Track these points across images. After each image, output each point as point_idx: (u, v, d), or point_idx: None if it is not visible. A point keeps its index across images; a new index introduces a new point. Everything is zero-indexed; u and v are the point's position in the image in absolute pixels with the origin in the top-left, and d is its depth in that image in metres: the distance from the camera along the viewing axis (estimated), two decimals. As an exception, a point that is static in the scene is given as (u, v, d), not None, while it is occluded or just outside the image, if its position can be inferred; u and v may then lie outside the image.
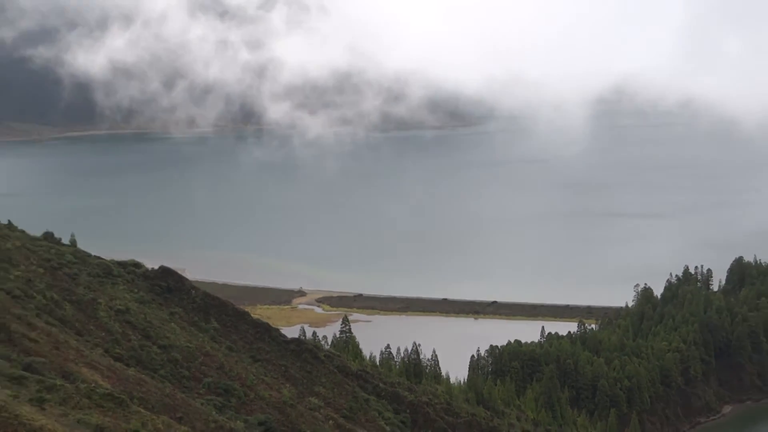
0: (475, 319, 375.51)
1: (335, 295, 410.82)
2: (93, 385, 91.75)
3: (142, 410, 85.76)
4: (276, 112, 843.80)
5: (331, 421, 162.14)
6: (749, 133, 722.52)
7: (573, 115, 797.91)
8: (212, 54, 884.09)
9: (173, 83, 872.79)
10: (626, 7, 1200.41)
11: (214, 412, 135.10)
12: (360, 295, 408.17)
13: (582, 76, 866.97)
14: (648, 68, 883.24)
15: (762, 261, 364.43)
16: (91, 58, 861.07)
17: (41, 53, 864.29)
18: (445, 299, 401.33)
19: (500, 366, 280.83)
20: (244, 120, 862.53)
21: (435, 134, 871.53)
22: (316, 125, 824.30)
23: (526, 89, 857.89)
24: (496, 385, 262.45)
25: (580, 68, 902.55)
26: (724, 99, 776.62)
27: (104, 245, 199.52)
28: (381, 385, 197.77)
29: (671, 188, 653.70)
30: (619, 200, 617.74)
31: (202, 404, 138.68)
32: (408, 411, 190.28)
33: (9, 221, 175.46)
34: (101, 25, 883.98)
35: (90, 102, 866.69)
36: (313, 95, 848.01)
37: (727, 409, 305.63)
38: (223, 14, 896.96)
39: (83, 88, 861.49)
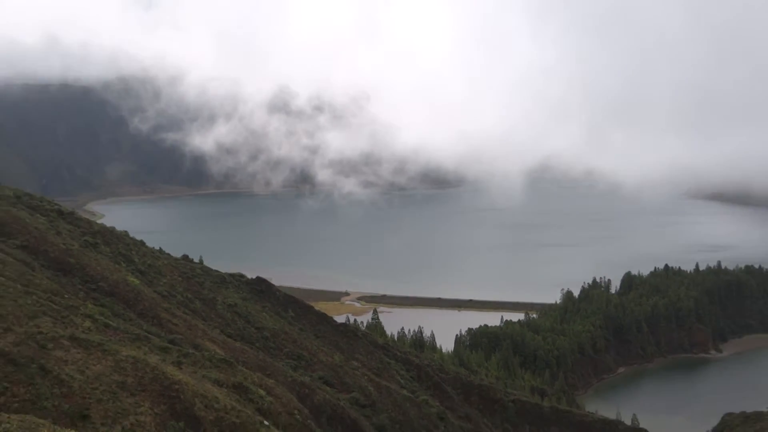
0: (459, 311, 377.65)
1: (368, 295, 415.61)
2: (213, 353, 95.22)
3: (244, 369, 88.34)
4: (323, 176, 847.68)
5: (365, 377, 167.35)
6: (629, 192, 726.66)
7: (515, 180, 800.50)
8: (282, 138, 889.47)
9: (257, 157, 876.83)
10: (550, 106, 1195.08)
11: (290, 371, 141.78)
12: (384, 295, 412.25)
13: (521, 154, 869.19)
14: (564, 149, 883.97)
15: (641, 274, 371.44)
16: (204, 140, 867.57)
17: (171, 137, 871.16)
18: (438, 298, 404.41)
19: (474, 341, 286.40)
20: (302, 182, 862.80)
21: (425, 194, 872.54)
22: (349, 185, 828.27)
23: (485, 163, 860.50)
24: (472, 353, 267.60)
25: (520, 148, 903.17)
26: (613, 169, 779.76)
27: (221, 263, 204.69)
28: (398, 353, 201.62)
29: (579, 228, 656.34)
30: (546, 235, 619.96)
31: (283, 365, 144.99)
32: (415, 370, 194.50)
33: (160, 248, 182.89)
34: (211, 118, 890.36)
35: (203, 170, 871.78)
36: (348, 166, 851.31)
37: (621, 369, 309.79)
38: (290, 113, 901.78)
39: (199, 160, 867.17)
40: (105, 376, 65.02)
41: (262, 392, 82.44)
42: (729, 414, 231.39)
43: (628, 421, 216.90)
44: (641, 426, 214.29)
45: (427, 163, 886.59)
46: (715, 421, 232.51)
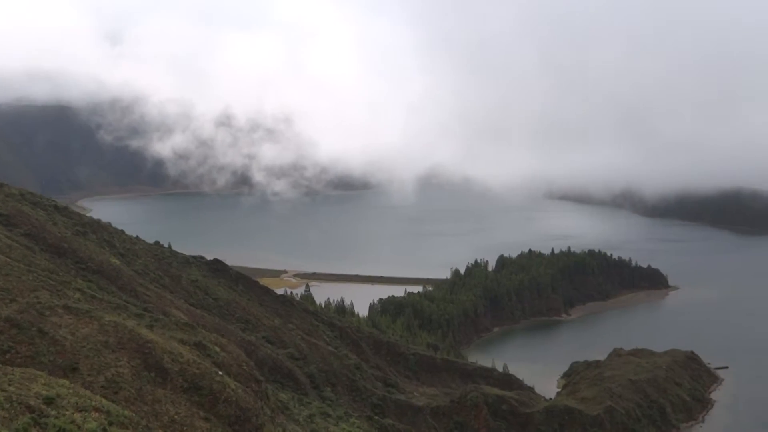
0: (372, 284, 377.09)
1: (302, 272, 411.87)
2: (178, 318, 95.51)
3: (203, 331, 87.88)
4: (259, 178, 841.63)
5: (299, 336, 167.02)
6: (498, 194, 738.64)
7: (409, 184, 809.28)
8: (226, 148, 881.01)
9: (205, 162, 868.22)
10: (436, 126, 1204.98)
11: (240, 332, 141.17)
12: (315, 273, 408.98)
13: (413, 163, 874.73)
14: (446, 160, 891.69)
15: (511, 256, 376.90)
16: (163, 146, 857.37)
17: (135, 143, 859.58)
18: (356, 274, 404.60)
19: (384, 308, 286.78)
20: (242, 184, 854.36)
21: (339, 195, 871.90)
22: (279, 186, 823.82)
23: (386, 171, 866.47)
24: (382, 318, 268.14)
25: (413, 159, 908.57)
26: (484, 176, 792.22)
27: (185, 248, 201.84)
28: (324, 318, 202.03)
29: (461, 222, 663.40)
30: (436, 227, 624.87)
31: (234, 328, 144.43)
32: (338, 331, 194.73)
33: (137, 236, 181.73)
34: (169, 131, 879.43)
35: (163, 172, 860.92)
36: (278, 171, 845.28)
37: (495, 329, 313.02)
38: (232, 127, 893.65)
39: (159, 163, 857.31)
40: (91, 337, 65.87)
41: (217, 349, 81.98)
42: (576, 362, 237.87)
43: (500, 368, 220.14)
44: (510, 372, 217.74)
45: (340, 170, 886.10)
46: (565, 367, 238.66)
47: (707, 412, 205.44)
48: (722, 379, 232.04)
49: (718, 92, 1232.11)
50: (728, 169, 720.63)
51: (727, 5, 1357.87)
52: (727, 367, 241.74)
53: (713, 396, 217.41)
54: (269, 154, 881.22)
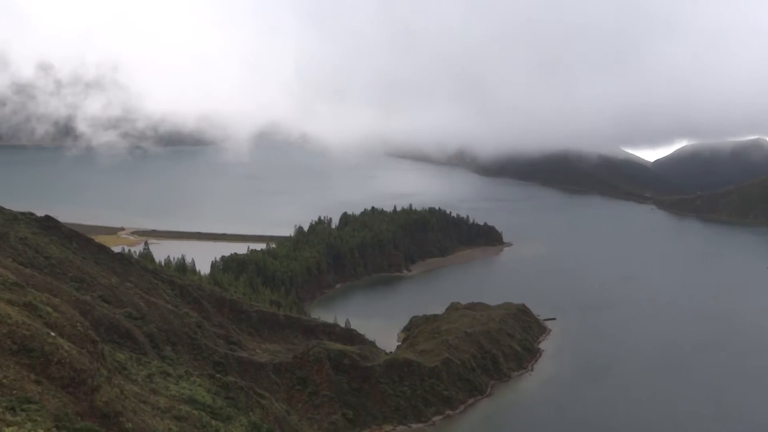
0: (214, 242, 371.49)
1: (140, 230, 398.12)
2: (5, 277, 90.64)
3: (34, 291, 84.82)
4: (84, 130, 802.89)
5: (137, 295, 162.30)
6: (337, 152, 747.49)
7: (246, 142, 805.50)
8: (48, 96, 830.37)
9: (23, 110, 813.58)
10: (274, 83, 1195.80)
11: (74, 291, 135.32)
12: (154, 230, 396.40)
13: (251, 118, 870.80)
14: (283, 118, 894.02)
15: (354, 213, 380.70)
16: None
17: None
18: (198, 232, 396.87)
19: (226, 266, 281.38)
20: (65, 135, 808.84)
21: (172, 150, 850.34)
22: (107, 138, 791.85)
23: (222, 127, 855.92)
24: (224, 275, 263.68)
25: (249, 114, 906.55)
26: (322, 134, 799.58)
27: (11, 204, 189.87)
28: (164, 276, 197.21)
29: (301, 180, 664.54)
30: (276, 185, 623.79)
31: (67, 287, 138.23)
32: (178, 289, 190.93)
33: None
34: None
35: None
36: (107, 122, 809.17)
37: (338, 285, 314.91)
38: (56, 78, 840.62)
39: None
40: None
41: (49, 309, 78.38)
42: (415, 316, 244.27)
43: (342, 324, 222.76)
44: (352, 327, 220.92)
45: (172, 125, 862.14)
46: (405, 322, 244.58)
47: (536, 360, 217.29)
48: (550, 330, 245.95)
49: (549, 58, 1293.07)
50: (557, 132, 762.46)
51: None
52: (554, 319, 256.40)
53: (542, 346, 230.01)
54: (95, 104, 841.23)
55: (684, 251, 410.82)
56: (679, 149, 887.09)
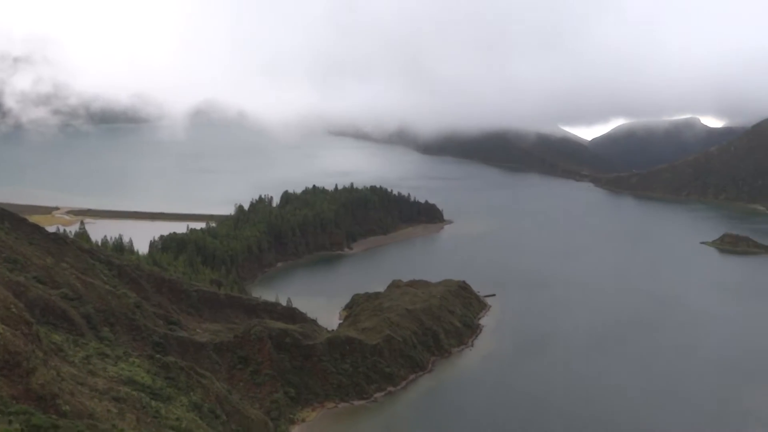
0: (152, 221, 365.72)
1: (76, 209, 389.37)
2: None
3: None
4: (12, 106, 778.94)
5: (73, 275, 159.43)
6: (276, 130, 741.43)
7: (181, 119, 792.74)
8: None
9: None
10: (209, 60, 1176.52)
11: (7, 272, 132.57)
12: (90, 209, 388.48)
13: (187, 96, 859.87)
14: (220, 94, 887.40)
15: (296, 192, 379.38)
16: None
17: None
18: (135, 211, 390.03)
19: (165, 245, 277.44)
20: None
21: (106, 127, 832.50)
22: (37, 114, 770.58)
23: (156, 105, 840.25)
24: (163, 255, 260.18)
25: (185, 92, 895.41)
26: (261, 112, 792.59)
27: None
28: (101, 256, 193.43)
29: (239, 158, 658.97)
30: (214, 163, 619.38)
31: (0, 268, 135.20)
32: (116, 269, 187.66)
33: None
34: None
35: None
36: (37, 98, 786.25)
37: (279, 264, 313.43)
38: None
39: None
40: None
41: (-19, 290, 75.56)
42: (357, 294, 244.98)
43: (284, 303, 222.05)
44: (294, 306, 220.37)
45: (105, 102, 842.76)
46: (347, 300, 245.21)
47: (476, 336, 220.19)
48: (490, 306, 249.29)
49: (488, 37, 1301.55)
50: (496, 110, 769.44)
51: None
52: (494, 295, 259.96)
53: (482, 322, 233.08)
54: (24, 80, 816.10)
55: (620, 228, 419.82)
56: (615, 128, 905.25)
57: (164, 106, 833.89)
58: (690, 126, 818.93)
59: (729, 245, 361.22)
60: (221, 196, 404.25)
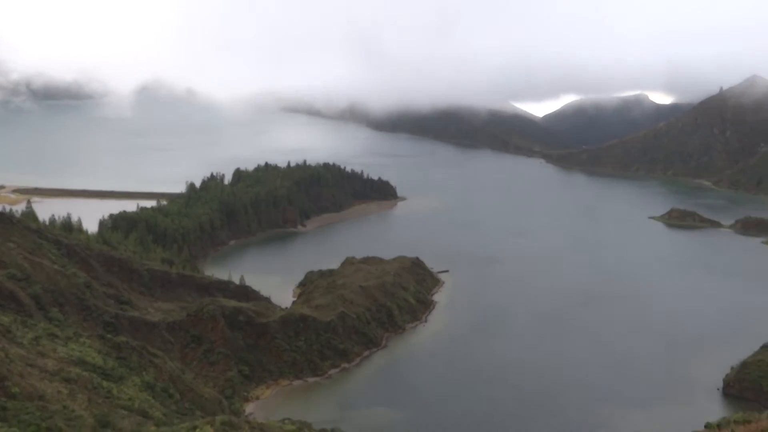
0: (102, 200, 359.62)
1: (22, 187, 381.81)
2: None
3: None
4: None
5: (20, 255, 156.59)
6: (227, 108, 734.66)
7: (128, 95, 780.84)
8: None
9: None
10: (160, 36, 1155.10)
11: None
12: (37, 188, 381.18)
13: (133, 72, 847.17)
14: (166, 71, 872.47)
15: (248, 169, 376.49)
16: None
17: None
18: (84, 189, 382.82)
19: (115, 224, 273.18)
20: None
21: (50, 104, 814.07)
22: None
23: (100, 79, 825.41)
24: (113, 234, 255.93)
25: (131, 68, 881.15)
26: (211, 89, 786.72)
27: None
28: (49, 235, 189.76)
29: (189, 136, 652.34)
30: (164, 141, 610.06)
31: None
32: (65, 249, 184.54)
33: None
34: None
35: None
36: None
37: (232, 242, 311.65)
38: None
39: None
40: None
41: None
42: (311, 271, 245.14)
43: (237, 281, 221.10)
44: (247, 284, 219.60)
45: (48, 78, 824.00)
46: (301, 277, 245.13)
47: (430, 312, 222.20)
48: (443, 282, 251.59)
49: (439, 13, 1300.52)
50: (448, 87, 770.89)
51: None
52: (447, 271, 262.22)
53: (435, 297, 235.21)
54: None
55: (571, 204, 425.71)
56: (565, 105, 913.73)
57: (109, 83, 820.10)
58: (639, 102, 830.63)
59: (676, 220, 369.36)
60: (172, 174, 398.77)
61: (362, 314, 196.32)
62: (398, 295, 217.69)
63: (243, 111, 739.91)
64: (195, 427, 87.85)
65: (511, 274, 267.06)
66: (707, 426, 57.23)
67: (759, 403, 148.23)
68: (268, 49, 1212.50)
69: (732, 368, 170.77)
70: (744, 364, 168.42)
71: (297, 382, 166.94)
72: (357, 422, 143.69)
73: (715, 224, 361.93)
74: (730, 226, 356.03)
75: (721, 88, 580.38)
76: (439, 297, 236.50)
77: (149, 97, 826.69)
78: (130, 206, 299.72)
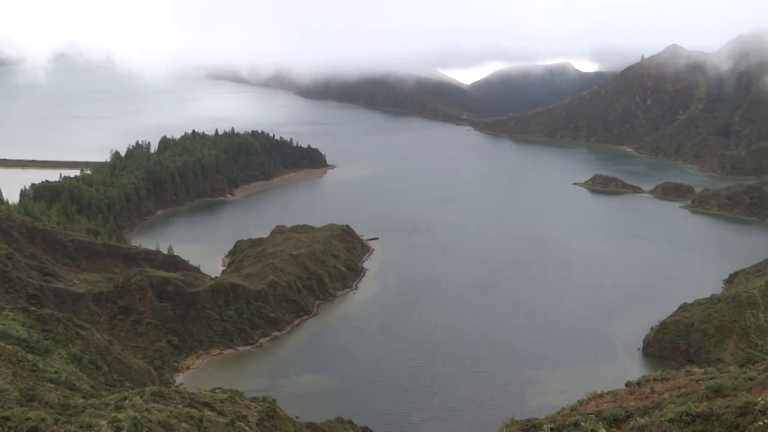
0: (22, 169, 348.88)
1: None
2: None
3: None
4: None
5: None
6: (148, 75, 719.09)
7: (43, 62, 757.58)
8: None
9: None
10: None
11: None
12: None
13: (49, 39, 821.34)
14: (83, 37, 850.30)
15: (174, 137, 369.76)
16: None
17: None
18: (3, 159, 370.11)
19: (37, 194, 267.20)
20: None
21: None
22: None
23: (13, 45, 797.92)
24: (35, 204, 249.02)
25: (47, 34, 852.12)
26: (130, 56, 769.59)
27: None
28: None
29: (109, 104, 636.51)
30: (83, 109, 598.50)
31: None
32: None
33: None
34: None
35: None
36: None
37: (159, 212, 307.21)
38: None
39: None
40: None
41: None
42: (240, 240, 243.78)
43: (165, 251, 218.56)
44: (175, 253, 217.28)
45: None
46: (230, 246, 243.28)
47: (360, 279, 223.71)
48: (373, 250, 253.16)
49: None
50: (376, 55, 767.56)
51: None
52: (377, 238, 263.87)
53: (366, 265, 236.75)
54: None
55: (499, 171, 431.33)
56: (492, 73, 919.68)
57: (23, 49, 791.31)
58: (564, 71, 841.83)
59: (599, 186, 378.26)
60: (94, 143, 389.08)
61: (293, 282, 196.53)
62: (329, 263, 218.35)
63: (165, 79, 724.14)
64: (124, 398, 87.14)
65: (441, 241, 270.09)
66: (628, 384, 59.45)
67: (676, 361, 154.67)
68: (190, 17, 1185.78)
69: (651, 329, 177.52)
70: (663, 325, 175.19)
71: (228, 351, 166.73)
72: (289, 390, 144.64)
73: (637, 189, 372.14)
74: (651, 192, 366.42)
75: (643, 57, 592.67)
76: (370, 264, 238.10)
77: (67, 64, 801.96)
78: (53, 176, 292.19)
